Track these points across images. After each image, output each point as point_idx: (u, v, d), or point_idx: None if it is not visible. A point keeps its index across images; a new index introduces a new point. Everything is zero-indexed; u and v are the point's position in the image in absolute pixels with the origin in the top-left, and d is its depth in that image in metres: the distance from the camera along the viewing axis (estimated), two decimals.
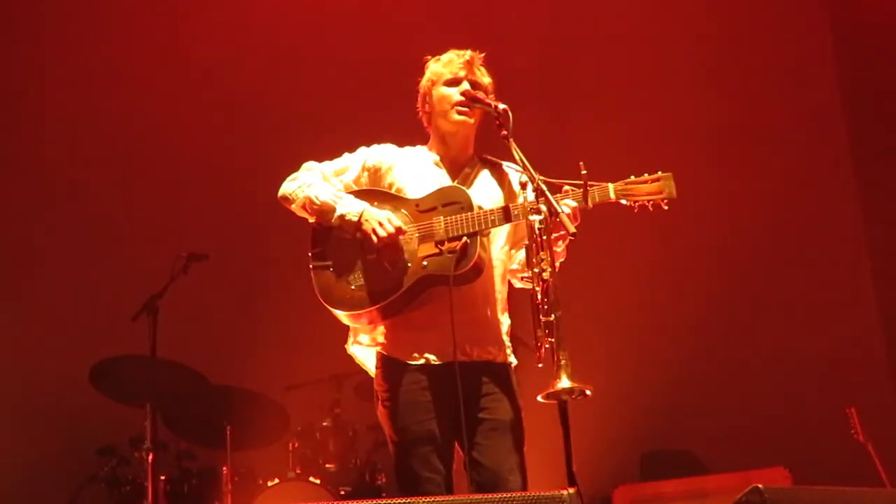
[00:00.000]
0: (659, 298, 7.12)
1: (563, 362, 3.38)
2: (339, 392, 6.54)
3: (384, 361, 3.95)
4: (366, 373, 6.30)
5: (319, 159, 4.15)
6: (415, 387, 3.84)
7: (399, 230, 3.85)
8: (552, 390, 3.37)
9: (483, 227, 3.81)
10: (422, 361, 3.86)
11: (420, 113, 4.16)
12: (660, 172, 3.84)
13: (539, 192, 3.59)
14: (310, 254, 3.99)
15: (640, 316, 7.06)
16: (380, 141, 4.17)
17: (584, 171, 3.71)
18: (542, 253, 3.53)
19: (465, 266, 3.78)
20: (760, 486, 3.05)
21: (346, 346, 4.10)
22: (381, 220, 3.85)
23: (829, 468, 5.83)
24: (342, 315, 3.95)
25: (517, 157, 3.74)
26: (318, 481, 6.05)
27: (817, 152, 7.45)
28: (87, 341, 6.61)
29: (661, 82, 7.44)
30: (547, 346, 3.46)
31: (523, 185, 3.72)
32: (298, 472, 6.21)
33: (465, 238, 3.79)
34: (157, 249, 6.50)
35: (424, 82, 4.13)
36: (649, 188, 3.82)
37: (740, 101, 7.43)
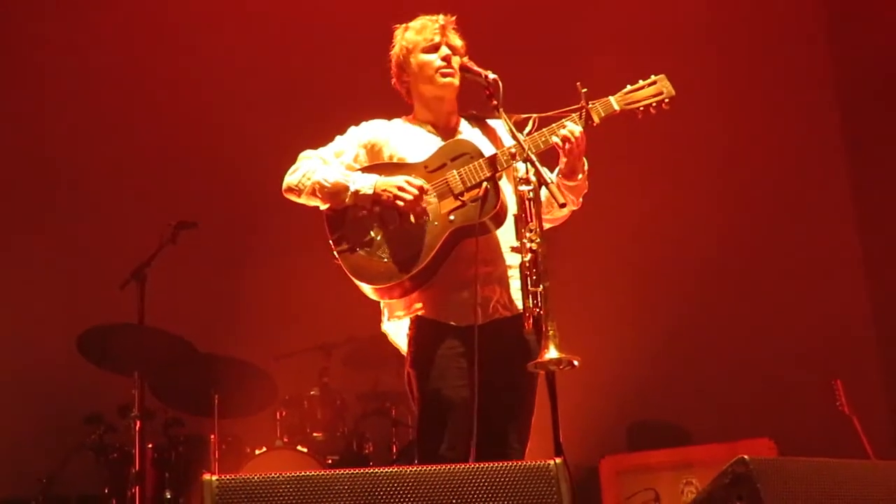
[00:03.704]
0: (647, 270, 7.13)
1: (551, 333, 3.37)
2: (328, 361, 6.55)
3: (420, 323, 3.87)
4: (354, 342, 6.37)
5: (309, 133, 4.09)
6: (450, 352, 3.79)
7: (422, 189, 3.79)
8: (540, 360, 3.36)
9: (498, 168, 3.78)
10: (457, 325, 3.80)
11: (396, 83, 4.10)
12: (653, 76, 3.89)
13: (529, 162, 3.58)
14: (330, 241, 3.88)
15: (627, 287, 7.07)
16: (368, 115, 4.10)
17: (584, 90, 3.74)
18: (531, 223, 3.52)
19: (493, 210, 3.74)
20: (746, 456, 3.05)
21: (380, 324, 4.01)
22: (399, 185, 3.79)
23: (814, 440, 5.85)
24: (372, 289, 3.82)
25: (507, 128, 3.73)
26: (305, 450, 6.07)
27: (808, 135, 7.43)
28: (74, 309, 6.60)
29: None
30: (535, 316, 3.46)
31: (512, 156, 3.71)
32: (286, 440, 6.23)
33: (484, 183, 3.77)
34: (146, 218, 6.48)
35: (398, 51, 4.05)
36: (648, 92, 3.87)
37: (731, 91, 7.39)
